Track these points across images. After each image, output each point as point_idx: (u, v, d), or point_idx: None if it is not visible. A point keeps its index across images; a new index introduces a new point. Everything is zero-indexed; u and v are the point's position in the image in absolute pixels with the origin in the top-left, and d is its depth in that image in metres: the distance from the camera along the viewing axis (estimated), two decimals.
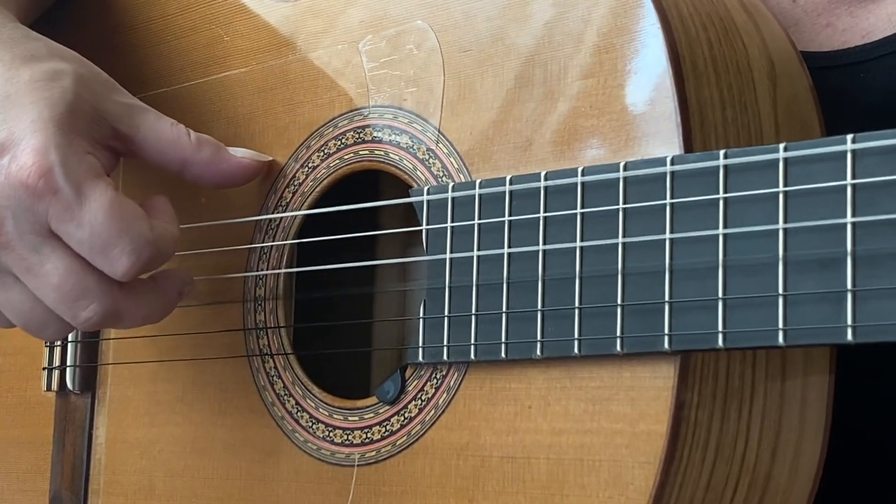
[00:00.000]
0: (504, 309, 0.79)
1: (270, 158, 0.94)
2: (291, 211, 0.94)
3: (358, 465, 0.87)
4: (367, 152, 0.90)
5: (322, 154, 0.93)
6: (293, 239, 0.94)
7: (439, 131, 0.86)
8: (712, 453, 0.75)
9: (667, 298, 0.72)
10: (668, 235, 0.72)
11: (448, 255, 0.82)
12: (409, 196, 0.85)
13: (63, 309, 0.83)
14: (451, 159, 0.85)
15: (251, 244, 0.96)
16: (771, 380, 0.79)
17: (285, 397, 0.93)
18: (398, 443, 0.85)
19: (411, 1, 0.89)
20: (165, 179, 0.97)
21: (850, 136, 0.66)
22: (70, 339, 1.06)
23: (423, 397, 0.84)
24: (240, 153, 0.92)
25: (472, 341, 0.80)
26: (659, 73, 0.76)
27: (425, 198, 0.84)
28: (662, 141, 0.75)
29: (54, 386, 1.07)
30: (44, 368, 1.08)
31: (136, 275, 0.83)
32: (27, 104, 0.83)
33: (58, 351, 1.07)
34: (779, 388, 0.79)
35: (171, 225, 0.86)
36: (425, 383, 0.84)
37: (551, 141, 0.80)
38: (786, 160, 0.69)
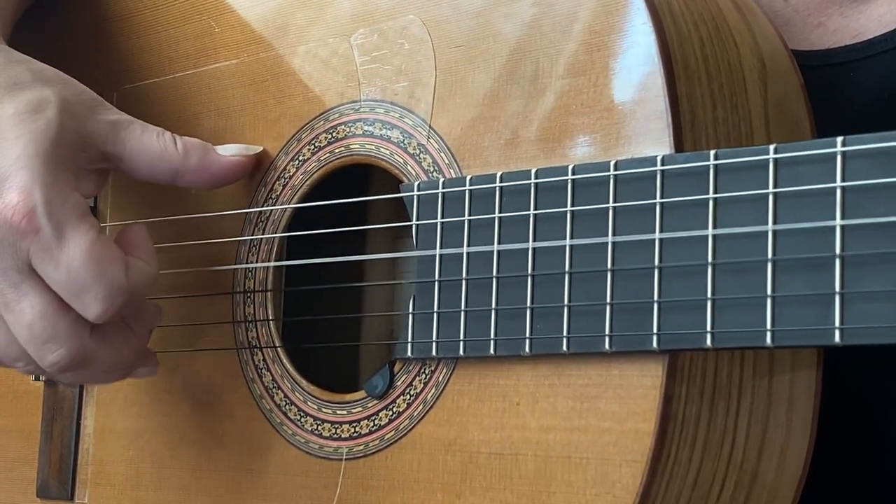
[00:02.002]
0: (493, 305, 0.79)
1: (260, 149, 0.94)
2: (281, 204, 0.94)
3: (346, 459, 0.87)
4: (357, 146, 0.90)
5: (313, 147, 0.93)
6: (283, 232, 0.94)
7: (430, 126, 0.86)
8: (699, 451, 0.76)
9: (655, 298, 0.72)
10: (657, 235, 0.72)
11: (438, 251, 0.82)
12: (399, 191, 0.85)
13: (32, 349, 0.84)
14: (442, 154, 0.85)
15: (241, 236, 0.96)
16: (758, 378, 0.79)
17: (274, 390, 0.93)
18: (386, 437, 0.85)
19: None
20: None
21: (839, 139, 0.66)
22: None
23: (411, 392, 0.84)
24: (228, 150, 0.92)
25: (461, 337, 0.80)
26: (650, 72, 0.76)
27: (415, 193, 0.84)
28: (653, 140, 0.75)
29: (42, 375, 1.07)
30: None
31: (110, 319, 0.83)
32: (12, 139, 0.83)
33: None
34: (766, 386, 0.80)
35: (148, 263, 0.86)
36: (414, 378, 0.85)
37: (542, 138, 0.80)
38: (776, 161, 0.69)
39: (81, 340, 0.84)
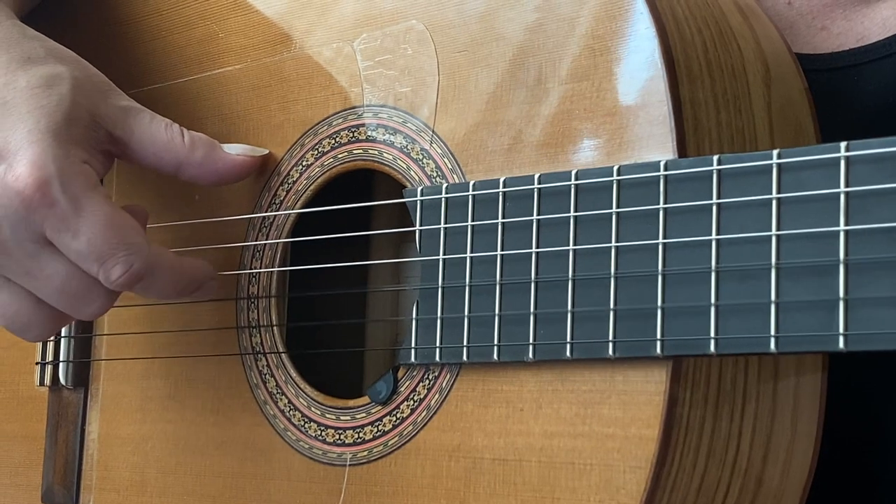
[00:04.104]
0: (497, 311, 0.79)
1: (266, 152, 0.94)
2: (285, 209, 0.93)
3: (349, 465, 0.87)
4: (361, 151, 0.90)
5: (316, 152, 0.93)
6: (287, 237, 0.93)
7: (433, 131, 0.86)
8: (704, 457, 0.76)
9: (659, 303, 0.72)
10: (660, 240, 0.72)
11: (441, 257, 0.82)
12: (402, 196, 0.85)
13: (71, 307, 0.86)
14: (445, 159, 0.85)
15: (245, 242, 0.96)
16: (763, 383, 0.79)
17: (278, 396, 0.93)
18: (390, 443, 0.85)
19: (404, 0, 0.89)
20: (159, 176, 0.97)
21: (843, 144, 0.66)
22: (63, 334, 1.06)
23: (415, 398, 0.84)
24: (234, 150, 0.92)
25: (465, 343, 0.80)
26: (653, 76, 0.75)
27: (419, 198, 0.84)
28: (656, 144, 0.75)
29: (47, 381, 1.07)
30: (37, 363, 1.08)
31: (128, 286, 0.84)
32: (24, 113, 0.83)
33: (51, 346, 1.07)
34: (771, 391, 0.79)
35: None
36: (417, 384, 0.84)
37: (545, 143, 0.80)
38: (779, 166, 0.69)
39: (110, 294, 0.86)
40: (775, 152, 0.69)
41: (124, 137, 0.88)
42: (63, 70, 0.86)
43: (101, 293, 0.85)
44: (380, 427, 0.86)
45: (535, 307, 0.77)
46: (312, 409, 0.91)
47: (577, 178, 0.76)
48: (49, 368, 1.07)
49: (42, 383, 1.08)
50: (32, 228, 0.82)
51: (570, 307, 0.75)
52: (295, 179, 0.94)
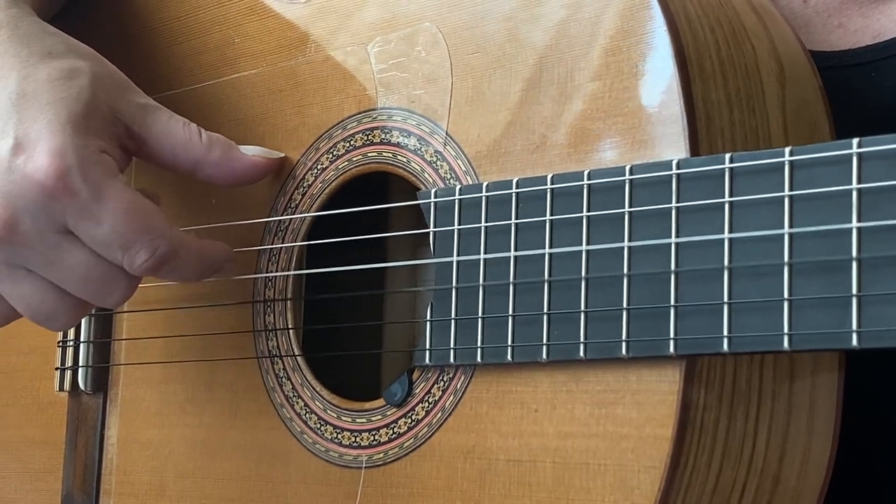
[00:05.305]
0: (510, 312, 0.79)
1: (282, 155, 0.94)
2: (301, 213, 0.94)
3: (365, 468, 0.87)
4: (375, 154, 0.90)
5: (331, 156, 0.93)
6: (302, 240, 0.94)
7: (447, 133, 0.86)
8: (719, 457, 0.75)
9: (672, 302, 0.72)
10: (673, 239, 0.72)
11: (455, 258, 0.82)
12: (416, 198, 0.85)
13: (94, 296, 0.86)
14: (459, 161, 0.85)
15: (261, 245, 0.96)
16: (779, 382, 0.78)
17: (294, 399, 0.93)
18: (405, 445, 0.85)
19: (420, 2, 0.89)
20: (176, 179, 0.98)
21: (855, 141, 0.66)
22: (82, 339, 1.07)
23: (430, 400, 0.84)
24: (251, 151, 0.92)
25: (479, 344, 0.80)
26: (666, 76, 0.75)
27: (432, 200, 0.84)
28: (669, 143, 0.75)
29: (67, 386, 1.08)
30: (56, 368, 1.09)
31: (154, 270, 0.85)
32: (44, 104, 0.83)
33: (70, 351, 1.08)
34: (787, 390, 0.79)
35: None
36: (432, 386, 0.84)
37: (559, 143, 0.80)
38: (791, 164, 0.68)
39: (133, 280, 0.86)
40: (787, 150, 0.68)
41: (143, 134, 0.88)
42: (83, 64, 0.87)
43: (123, 280, 0.85)
44: (395, 429, 0.86)
45: (549, 307, 0.77)
46: (328, 411, 0.91)
47: (589, 178, 0.76)
48: (68, 374, 1.08)
49: (62, 389, 1.08)
50: (54, 218, 0.82)
51: (583, 307, 0.75)
52: (310, 183, 0.94)
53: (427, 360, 0.83)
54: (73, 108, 0.83)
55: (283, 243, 0.95)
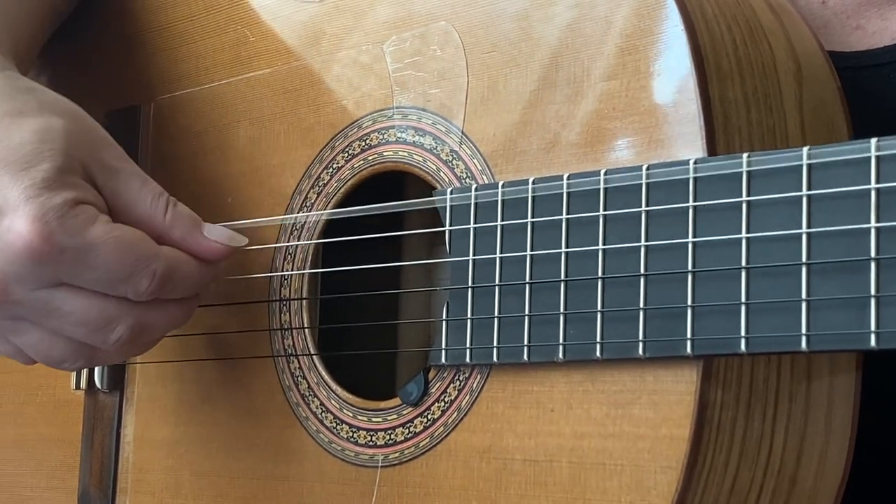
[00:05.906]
0: (526, 311, 0.79)
1: (245, 241, 0.92)
2: (316, 211, 0.94)
3: (381, 467, 0.87)
4: (391, 153, 0.90)
5: (346, 155, 0.93)
6: (318, 239, 0.94)
7: (463, 132, 0.86)
8: (736, 457, 0.75)
9: (689, 302, 0.71)
10: (690, 239, 0.72)
11: (471, 257, 0.82)
12: (432, 197, 0.85)
13: (93, 338, 0.88)
14: (475, 161, 0.85)
15: (276, 244, 0.96)
16: (796, 382, 0.78)
17: (310, 398, 0.93)
18: (421, 444, 0.85)
19: (435, 1, 0.89)
20: (191, 176, 0.98)
21: (874, 141, 0.66)
22: None
23: (446, 399, 0.84)
24: (216, 233, 0.91)
25: (495, 343, 0.80)
26: (682, 75, 0.75)
27: (448, 199, 0.84)
28: (686, 143, 0.74)
29: (83, 384, 1.08)
30: None
31: (158, 291, 0.87)
32: (19, 170, 0.84)
33: None
34: (804, 391, 0.79)
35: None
36: (448, 385, 0.84)
37: (575, 143, 0.79)
38: (809, 164, 0.68)
39: (134, 311, 0.88)
40: (805, 150, 0.68)
41: (109, 198, 0.89)
42: (57, 122, 0.87)
43: (121, 317, 0.87)
44: (411, 428, 0.86)
45: (565, 307, 0.77)
46: (344, 410, 0.91)
47: (605, 178, 0.76)
48: (85, 372, 1.08)
49: (78, 387, 1.09)
50: (46, 278, 0.84)
51: (599, 307, 0.75)
52: (325, 182, 0.94)
53: (443, 360, 0.83)
54: (47, 172, 0.84)
55: (298, 242, 0.95)
